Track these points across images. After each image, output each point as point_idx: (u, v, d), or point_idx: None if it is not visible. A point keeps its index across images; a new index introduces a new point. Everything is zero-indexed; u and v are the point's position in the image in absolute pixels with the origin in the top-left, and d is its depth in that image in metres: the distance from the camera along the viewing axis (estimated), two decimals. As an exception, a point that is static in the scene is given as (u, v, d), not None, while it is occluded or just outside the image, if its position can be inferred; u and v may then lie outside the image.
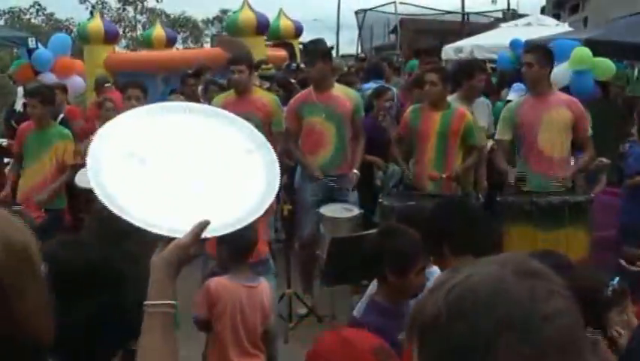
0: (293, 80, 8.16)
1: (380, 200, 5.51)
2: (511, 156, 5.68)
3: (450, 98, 6.41)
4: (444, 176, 5.54)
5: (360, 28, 25.02)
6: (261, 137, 1.80)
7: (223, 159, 1.71)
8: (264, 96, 6.16)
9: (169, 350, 1.51)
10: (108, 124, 1.71)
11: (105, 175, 1.57)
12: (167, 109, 1.79)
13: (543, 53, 5.50)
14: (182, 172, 1.65)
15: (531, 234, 5.02)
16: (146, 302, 1.52)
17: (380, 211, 5.53)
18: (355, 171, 5.83)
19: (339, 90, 5.91)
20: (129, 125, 1.70)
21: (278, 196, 5.60)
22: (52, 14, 31.26)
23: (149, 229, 1.51)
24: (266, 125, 5.50)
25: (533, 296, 0.94)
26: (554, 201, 5.09)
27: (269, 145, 1.78)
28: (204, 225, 1.52)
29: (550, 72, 5.51)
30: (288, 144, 5.92)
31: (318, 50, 5.89)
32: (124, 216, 1.52)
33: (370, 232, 4.79)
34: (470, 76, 6.40)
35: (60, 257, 1.67)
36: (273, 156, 1.75)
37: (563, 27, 13.71)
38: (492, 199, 6.49)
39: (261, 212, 1.65)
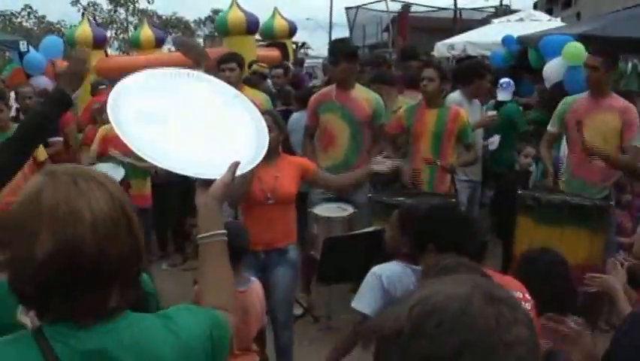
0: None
1: (369, 195, 5.51)
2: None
3: (454, 94, 6.42)
4: (438, 163, 5.50)
5: (351, 25, 25.01)
6: (232, 89, 2.23)
7: (217, 112, 2.06)
8: (254, 96, 6.14)
9: (227, 270, 1.80)
10: (117, 91, 1.93)
11: (137, 139, 1.82)
12: (169, 75, 2.10)
13: (609, 55, 5.29)
14: (193, 128, 1.95)
15: (532, 227, 5.03)
16: (202, 235, 1.80)
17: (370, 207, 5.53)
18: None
19: (360, 92, 5.83)
20: (136, 90, 1.97)
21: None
22: (43, 17, 31.12)
23: (195, 176, 1.83)
24: None
25: (498, 323, 0.95)
26: (554, 201, 5.06)
27: (240, 94, 2.20)
28: (236, 165, 1.85)
29: (611, 74, 5.36)
30: (304, 138, 6.01)
31: (342, 50, 5.88)
32: (172, 170, 1.82)
33: (363, 231, 4.79)
34: (481, 76, 6.39)
35: None
36: (250, 104, 2.19)
37: (556, 22, 13.71)
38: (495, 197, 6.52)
39: (265, 149, 2.04)
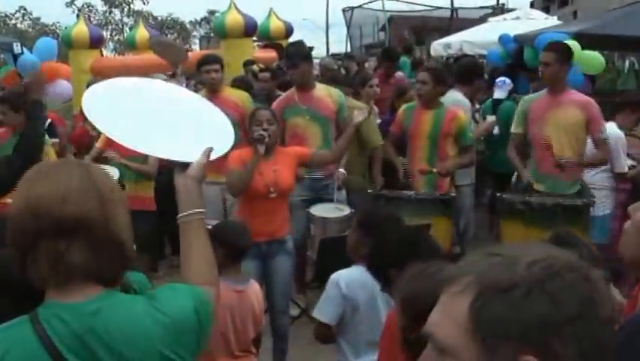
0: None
1: (369, 190, 5.60)
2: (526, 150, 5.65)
3: (454, 94, 6.36)
4: (434, 170, 5.49)
5: (348, 26, 25.01)
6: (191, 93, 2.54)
7: (183, 108, 2.28)
8: (234, 95, 6.17)
9: (207, 246, 1.93)
10: (94, 95, 2.12)
11: (117, 129, 2.01)
12: (139, 81, 2.34)
13: (562, 51, 5.34)
14: (164, 120, 2.14)
15: (523, 232, 5.01)
16: (182, 213, 1.94)
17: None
18: (341, 169, 5.77)
19: (321, 90, 5.84)
20: (104, 93, 2.16)
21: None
22: (38, 19, 31.02)
23: (174, 159, 2.01)
24: (242, 125, 5.41)
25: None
26: (547, 203, 5.05)
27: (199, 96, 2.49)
28: (210, 149, 2.02)
29: (568, 70, 5.36)
30: None
31: (300, 52, 5.86)
32: (152, 154, 2.18)
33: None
34: (481, 75, 6.40)
35: None
36: (209, 103, 2.41)
37: (552, 20, 13.69)
38: (478, 191, 6.50)
39: (233, 136, 2.22)
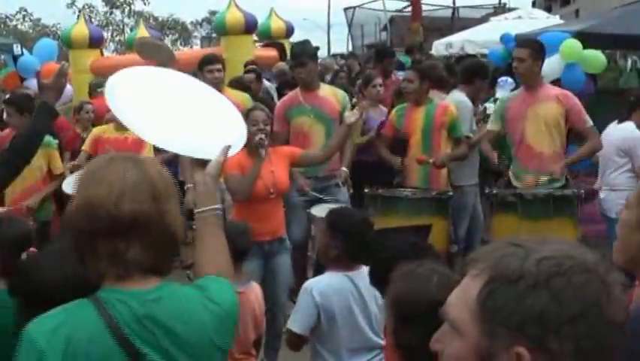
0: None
1: (366, 190, 5.57)
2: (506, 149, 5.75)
3: (457, 93, 6.39)
4: (430, 161, 5.55)
5: (349, 25, 24.98)
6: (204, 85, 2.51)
7: (198, 103, 2.29)
8: (236, 96, 6.11)
9: (223, 240, 1.98)
10: (110, 85, 2.16)
11: (141, 127, 2.07)
12: (155, 70, 2.43)
13: (535, 47, 5.46)
14: (182, 117, 2.19)
15: (515, 224, 5.02)
16: (200, 209, 1.99)
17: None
18: (344, 168, 5.76)
19: (326, 90, 5.88)
20: (125, 83, 2.20)
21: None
22: (39, 20, 30.99)
23: (201, 157, 2.06)
24: None
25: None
26: (539, 194, 5.11)
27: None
28: (228, 147, 2.08)
29: (541, 66, 5.46)
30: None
31: (307, 51, 5.84)
32: (175, 152, 2.24)
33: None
34: (483, 77, 6.47)
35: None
36: (223, 97, 2.44)
37: (554, 20, 13.66)
38: (482, 190, 6.48)
39: (245, 135, 2.26)
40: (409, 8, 22.54)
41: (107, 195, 1.65)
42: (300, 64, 5.76)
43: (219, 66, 6.15)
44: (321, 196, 5.50)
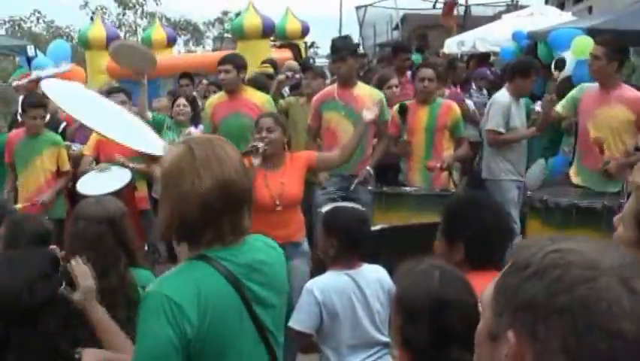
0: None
1: (369, 188, 5.60)
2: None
3: (503, 89, 6.37)
4: (438, 165, 5.57)
5: (360, 24, 24.93)
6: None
7: (121, 114, 2.83)
8: (255, 97, 6.09)
9: None
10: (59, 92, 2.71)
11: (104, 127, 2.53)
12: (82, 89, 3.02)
13: (612, 45, 5.21)
14: (119, 124, 2.59)
15: (539, 230, 4.98)
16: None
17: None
18: (368, 167, 5.74)
19: (362, 89, 5.83)
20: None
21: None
22: (52, 21, 31.12)
23: (150, 152, 2.47)
24: None
25: (611, 307, 0.97)
26: (562, 204, 4.98)
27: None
28: (167, 146, 2.36)
29: (620, 66, 5.24)
30: (308, 139, 6.05)
31: (348, 46, 5.84)
32: (137, 148, 2.67)
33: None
34: (524, 74, 6.26)
35: None
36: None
37: (567, 16, 13.58)
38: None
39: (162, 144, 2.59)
40: (421, 6, 22.51)
41: (234, 173, 1.95)
42: (340, 58, 5.75)
43: (227, 67, 5.95)
44: (344, 195, 5.50)
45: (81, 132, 6.69)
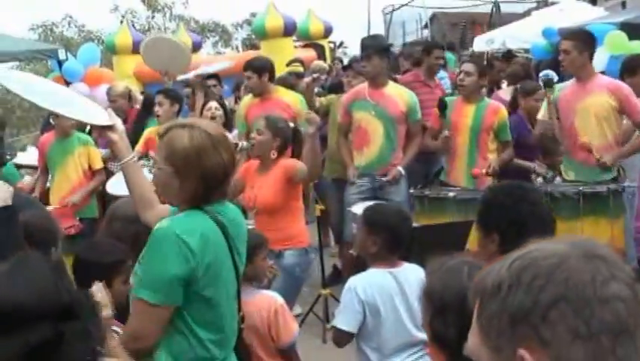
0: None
1: (411, 191, 5.52)
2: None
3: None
4: (484, 171, 5.36)
5: (387, 27, 24.83)
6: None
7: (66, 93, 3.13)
8: (286, 96, 6.08)
9: (148, 181, 2.73)
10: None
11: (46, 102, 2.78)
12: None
13: (580, 37, 5.25)
14: (65, 101, 2.88)
15: None
16: (126, 159, 2.66)
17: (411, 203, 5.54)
18: (399, 167, 5.68)
19: (394, 90, 5.77)
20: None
21: (308, 197, 5.54)
22: (83, 25, 31.44)
23: (94, 122, 2.77)
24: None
25: (594, 277, 0.99)
26: (568, 192, 4.96)
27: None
28: (111, 113, 2.74)
29: (591, 57, 5.25)
30: (339, 138, 6.03)
31: (375, 45, 5.78)
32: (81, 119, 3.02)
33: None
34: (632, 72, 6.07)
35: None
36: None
37: (598, 11, 13.36)
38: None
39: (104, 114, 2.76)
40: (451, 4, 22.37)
41: (232, 145, 2.63)
42: (365, 57, 5.73)
43: (248, 73, 5.99)
44: (374, 195, 5.46)
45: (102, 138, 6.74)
